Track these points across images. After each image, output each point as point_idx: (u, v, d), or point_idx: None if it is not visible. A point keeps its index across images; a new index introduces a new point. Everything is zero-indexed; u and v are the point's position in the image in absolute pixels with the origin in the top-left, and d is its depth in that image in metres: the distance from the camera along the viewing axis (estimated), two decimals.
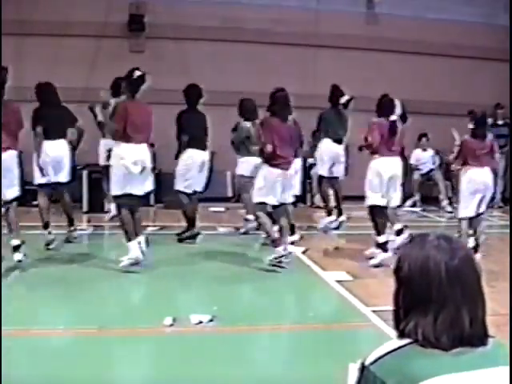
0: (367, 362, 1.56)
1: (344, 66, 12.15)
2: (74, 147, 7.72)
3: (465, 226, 7.05)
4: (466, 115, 7.92)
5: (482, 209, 7.02)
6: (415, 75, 12.47)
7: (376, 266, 6.86)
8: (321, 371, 4.01)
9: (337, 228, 8.98)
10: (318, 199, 10.70)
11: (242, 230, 8.66)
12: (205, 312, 5.13)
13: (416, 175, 11.92)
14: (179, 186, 8.03)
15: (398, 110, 7.23)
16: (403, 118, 7.31)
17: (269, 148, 6.65)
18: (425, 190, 12.22)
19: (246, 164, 8.29)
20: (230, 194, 8.99)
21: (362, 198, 7.43)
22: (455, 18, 12.68)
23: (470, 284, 1.58)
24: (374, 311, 5.29)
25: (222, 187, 11.28)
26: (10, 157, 6.30)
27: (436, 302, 1.54)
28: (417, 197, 11.94)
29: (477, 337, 1.56)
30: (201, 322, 4.97)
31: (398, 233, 7.40)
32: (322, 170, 9.12)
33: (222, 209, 10.72)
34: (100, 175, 9.42)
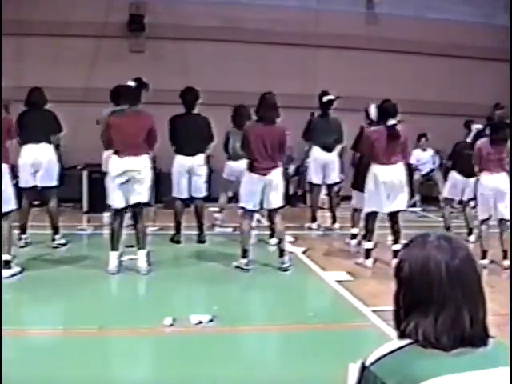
0: (367, 363, 1.56)
1: (344, 66, 12.16)
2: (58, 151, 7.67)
3: (485, 228, 7.17)
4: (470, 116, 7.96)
5: (501, 214, 7.00)
6: (415, 75, 12.47)
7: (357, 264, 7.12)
8: (321, 371, 4.00)
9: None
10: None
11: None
12: (205, 312, 5.13)
13: (416, 175, 11.92)
14: (173, 191, 8.14)
15: (373, 115, 7.33)
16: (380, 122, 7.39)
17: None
18: (425, 190, 12.23)
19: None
20: (230, 194, 9.00)
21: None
22: (455, 18, 12.68)
23: (470, 284, 1.57)
24: (374, 311, 5.29)
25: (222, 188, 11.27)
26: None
27: (437, 302, 1.54)
28: (417, 197, 11.94)
29: (477, 337, 1.55)
30: (201, 322, 4.97)
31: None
32: (312, 177, 9.22)
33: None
34: (100, 175, 9.41)
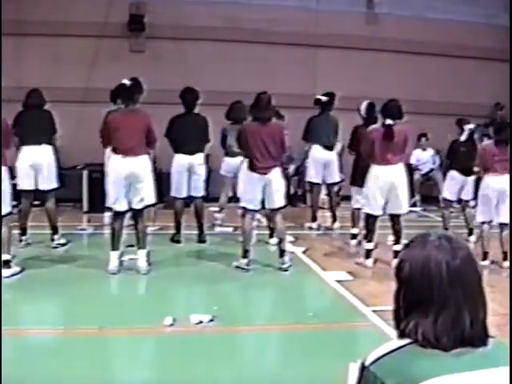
0: (367, 363, 1.56)
1: (344, 66, 12.15)
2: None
3: (486, 228, 7.18)
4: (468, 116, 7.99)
5: (503, 218, 7.03)
6: (415, 75, 12.46)
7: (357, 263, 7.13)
8: (321, 371, 4.01)
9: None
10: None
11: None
12: (205, 312, 5.13)
13: (416, 175, 11.92)
14: (171, 190, 8.15)
15: (363, 111, 7.34)
16: (369, 120, 7.41)
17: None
18: (425, 190, 12.22)
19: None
20: (230, 193, 9.01)
21: None
22: (455, 18, 12.67)
23: (471, 284, 1.57)
24: (374, 311, 5.30)
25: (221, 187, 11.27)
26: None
27: (437, 302, 1.54)
28: (417, 197, 11.93)
29: (477, 337, 1.55)
30: (201, 322, 4.97)
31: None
32: (312, 176, 9.20)
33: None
34: (100, 175, 9.41)
